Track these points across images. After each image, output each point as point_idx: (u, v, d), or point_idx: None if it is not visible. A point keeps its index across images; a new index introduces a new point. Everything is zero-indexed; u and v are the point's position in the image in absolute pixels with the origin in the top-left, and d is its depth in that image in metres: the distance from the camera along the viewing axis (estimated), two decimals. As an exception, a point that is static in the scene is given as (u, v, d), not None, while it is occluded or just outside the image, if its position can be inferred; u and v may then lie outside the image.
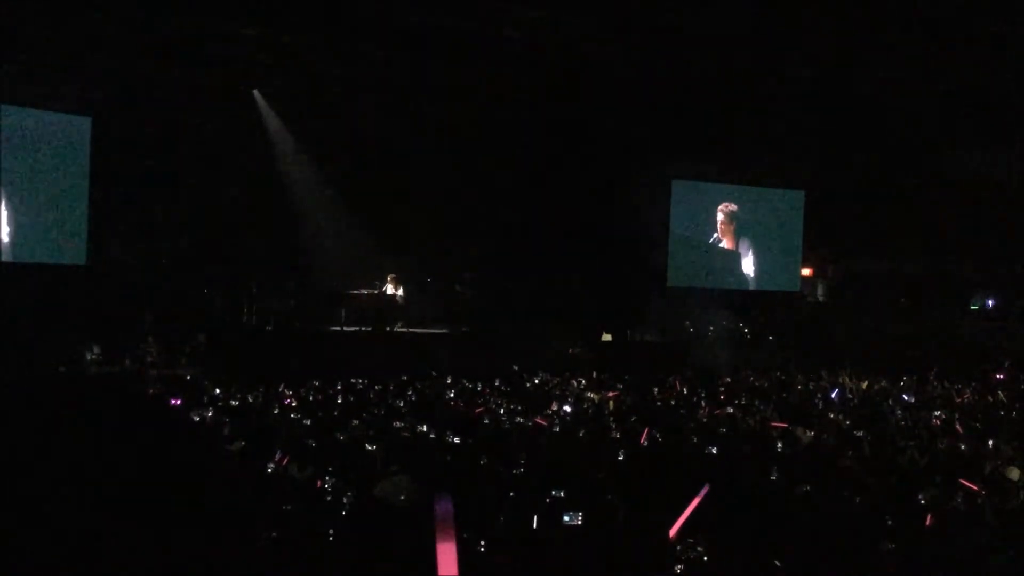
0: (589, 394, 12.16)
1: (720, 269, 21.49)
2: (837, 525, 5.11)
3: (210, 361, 14.48)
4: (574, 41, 16.23)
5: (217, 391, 11.22)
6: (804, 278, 22.88)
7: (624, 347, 18.92)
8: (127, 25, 14.80)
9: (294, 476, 5.99)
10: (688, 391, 12.80)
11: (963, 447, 8.06)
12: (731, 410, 10.50)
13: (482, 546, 4.24)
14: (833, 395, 12.61)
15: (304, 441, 7.22)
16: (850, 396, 12.88)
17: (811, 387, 13.80)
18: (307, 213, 17.67)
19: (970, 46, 15.86)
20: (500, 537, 4.55)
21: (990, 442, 8.21)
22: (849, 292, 22.78)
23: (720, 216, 21.42)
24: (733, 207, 21.47)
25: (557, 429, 8.66)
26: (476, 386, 12.70)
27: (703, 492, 4.56)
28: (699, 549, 4.16)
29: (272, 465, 6.17)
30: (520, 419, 9.31)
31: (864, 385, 14.29)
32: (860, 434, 8.57)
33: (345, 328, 16.59)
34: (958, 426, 9.42)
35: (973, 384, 14.26)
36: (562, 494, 5.11)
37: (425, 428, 8.05)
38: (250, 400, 10.58)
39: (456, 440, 7.46)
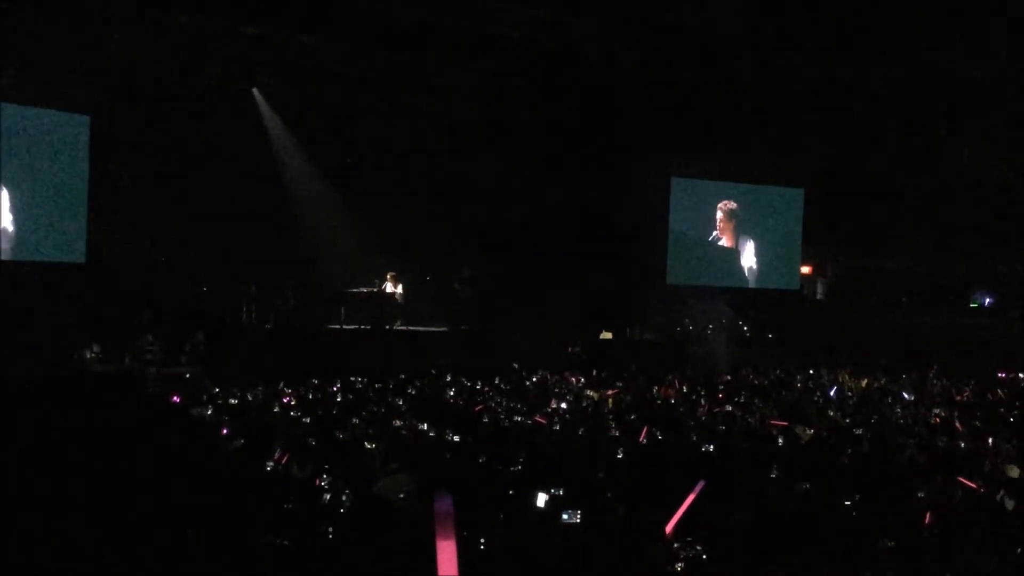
0: (588, 392, 12.17)
1: (719, 267, 21.48)
2: (836, 523, 5.11)
3: (209, 359, 14.48)
4: (573, 40, 16.23)
5: (216, 389, 11.22)
6: (803, 276, 22.89)
7: (623, 345, 18.93)
8: (126, 23, 14.81)
9: (294, 474, 5.99)
10: (687, 389, 12.80)
11: (963, 445, 8.06)
12: (729, 408, 10.51)
13: (482, 544, 4.25)
14: (832, 393, 12.62)
15: (304, 439, 7.22)
16: (849, 394, 12.89)
17: (810, 385, 13.81)
18: (306, 211, 17.66)
19: (970, 45, 15.87)
20: (499, 535, 4.55)
21: (990, 440, 8.21)
22: (848, 290, 22.79)
23: (719, 214, 21.42)
24: (732, 205, 21.47)
25: (557, 427, 8.66)
26: (475, 384, 12.71)
27: (698, 488, 4.56)
28: (698, 548, 4.17)
29: (271, 463, 6.17)
30: (519, 417, 9.32)
31: (864, 383, 14.31)
32: (859, 432, 8.57)
33: (344, 326, 16.59)
34: (957, 424, 9.42)
35: (973, 382, 14.26)
36: (561, 492, 5.11)
37: (424, 426, 8.05)
38: (249, 398, 10.58)
39: (455, 438, 7.46)
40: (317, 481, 5.68)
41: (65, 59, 15.06)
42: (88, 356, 14.32)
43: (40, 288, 14.76)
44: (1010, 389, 13.60)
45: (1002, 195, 20.10)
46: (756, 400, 11.35)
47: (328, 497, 5.27)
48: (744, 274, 21.65)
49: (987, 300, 22.49)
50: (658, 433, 8.05)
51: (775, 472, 6.23)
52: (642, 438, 7.84)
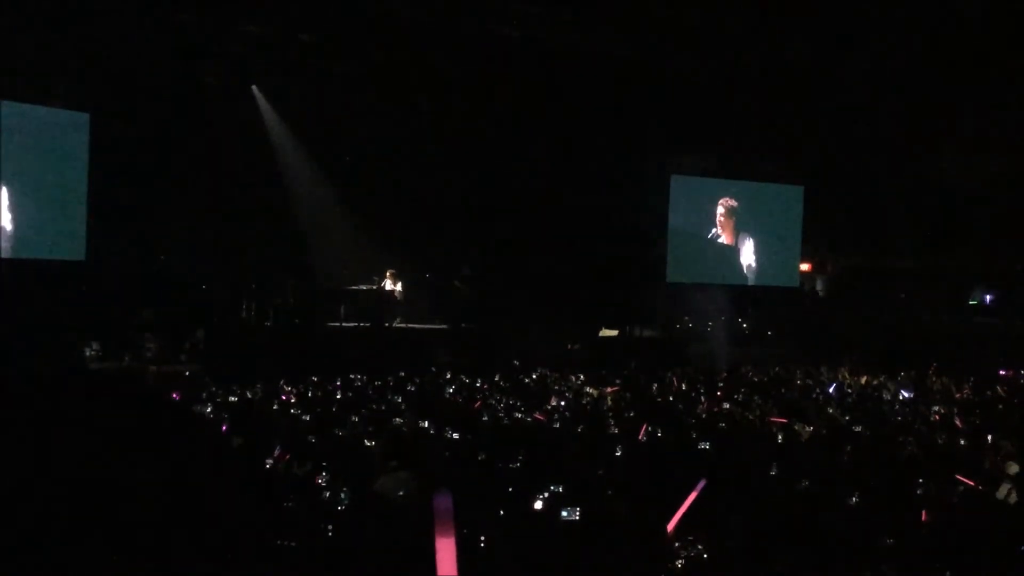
0: (588, 389, 12.17)
1: (719, 264, 21.48)
2: (836, 520, 5.11)
3: (209, 357, 14.49)
4: (573, 38, 16.22)
5: (216, 387, 11.23)
6: (803, 273, 22.89)
7: (623, 343, 18.94)
8: (126, 21, 14.79)
9: (293, 472, 5.99)
10: (687, 386, 12.80)
11: (962, 442, 8.07)
12: (727, 406, 10.51)
13: (482, 542, 4.24)
14: (831, 390, 12.62)
15: (303, 437, 7.22)
16: (848, 391, 12.89)
17: (809, 382, 13.81)
18: (306, 209, 17.66)
19: (969, 43, 15.86)
20: (499, 533, 4.55)
21: (989, 437, 8.21)
22: (848, 287, 22.79)
23: (719, 211, 21.41)
24: (732, 202, 21.46)
25: (557, 425, 8.66)
26: (475, 382, 12.71)
27: (699, 486, 4.56)
28: (699, 547, 4.16)
29: (271, 461, 6.17)
30: (519, 415, 9.32)
31: (863, 380, 14.31)
32: (859, 429, 8.57)
33: (344, 324, 16.60)
34: (957, 421, 9.43)
35: (972, 379, 14.26)
36: (560, 490, 5.11)
37: (424, 424, 8.05)
38: (249, 396, 10.58)
39: (455, 436, 7.46)
40: (316, 479, 5.68)
41: (64, 56, 15.05)
42: (88, 354, 14.32)
43: (39, 286, 14.75)
44: (1010, 387, 13.60)
45: (1002, 193, 20.09)
46: (756, 397, 11.35)
47: (327, 495, 5.27)
48: (744, 271, 21.65)
49: (987, 298, 22.49)
50: (658, 431, 8.05)
51: (775, 470, 6.23)
52: (641, 435, 7.85)
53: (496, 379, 13.00)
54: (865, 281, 22.49)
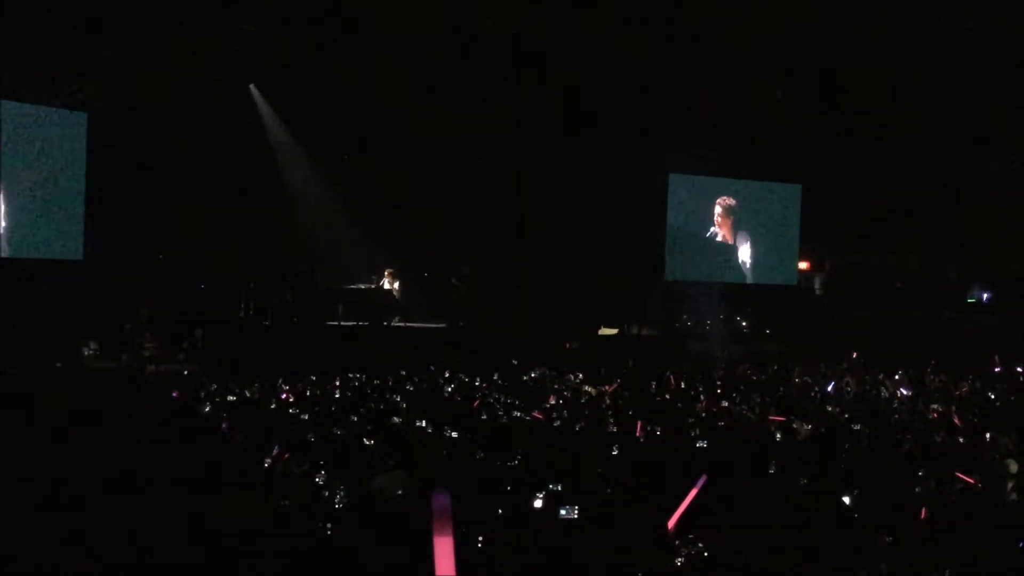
0: (586, 388, 12.16)
1: (717, 263, 21.48)
2: (834, 518, 5.12)
3: (208, 356, 14.48)
4: (571, 35, 16.22)
5: (215, 386, 11.22)
6: (801, 272, 22.89)
7: (621, 341, 18.94)
8: (124, 20, 14.79)
9: (292, 471, 5.99)
10: (686, 385, 12.80)
11: (960, 440, 8.07)
12: (726, 404, 10.51)
13: (480, 540, 4.25)
14: (830, 388, 12.63)
15: (302, 436, 7.22)
16: (848, 389, 12.88)
17: (808, 380, 13.81)
18: (304, 208, 17.66)
19: (968, 42, 15.86)
20: (498, 531, 4.55)
21: (987, 435, 8.22)
22: (846, 286, 22.80)
23: (717, 210, 21.40)
24: (730, 201, 21.46)
25: (558, 424, 8.66)
26: (474, 380, 12.70)
27: (700, 483, 4.56)
28: (699, 545, 4.17)
29: (270, 460, 6.18)
30: (518, 413, 9.32)
31: (861, 378, 14.29)
32: (858, 427, 8.58)
33: (342, 323, 16.59)
34: (955, 419, 9.43)
35: (970, 377, 14.27)
36: (559, 488, 5.12)
37: (423, 423, 8.05)
38: (248, 395, 10.57)
39: (454, 434, 7.46)
40: (315, 478, 5.68)
41: (62, 56, 15.04)
42: (86, 354, 14.31)
43: (37, 285, 14.74)
44: (1008, 384, 13.60)
45: (999, 190, 20.11)
46: (754, 395, 11.36)
47: (326, 494, 5.27)
48: (742, 270, 21.65)
49: (985, 296, 22.50)
50: (657, 430, 8.05)
51: (773, 467, 6.24)
52: (638, 433, 7.85)
53: (495, 378, 12.99)
54: (863, 279, 22.49)
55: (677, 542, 4.24)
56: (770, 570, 4.24)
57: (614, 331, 19.22)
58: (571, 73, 17.14)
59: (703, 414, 9.69)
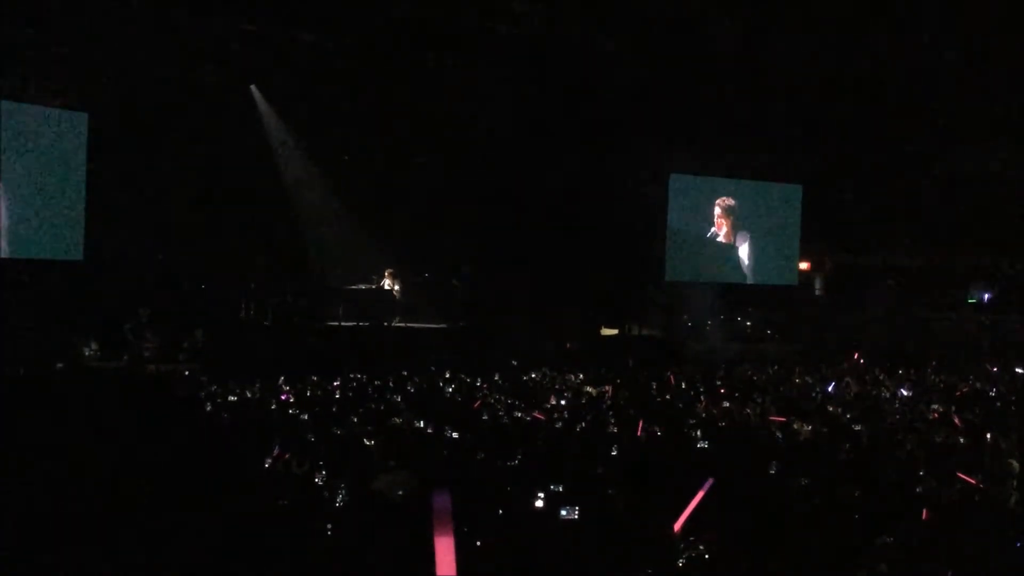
0: (587, 388, 12.16)
1: (718, 263, 21.48)
2: (835, 519, 5.11)
3: (208, 357, 14.48)
4: (572, 35, 16.22)
5: (215, 387, 11.21)
6: (802, 272, 22.89)
7: (622, 341, 18.95)
8: (124, 20, 14.79)
9: (292, 471, 5.99)
10: (686, 385, 12.79)
11: (961, 440, 8.06)
12: (727, 404, 10.50)
13: (480, 541, 4.24)
14: (830, 389, 12.62)
15: (302, 436, 7.21)
16: (847, 388, 12.88)
17: (808, 380, 13.80)
18: (305, 208, 17.66)
19: (968, 42, 15.86)
20: (498, 532, 4.55)
21: (988, 435, 8.21)
22: (846, 286, 22.79)
23: (718, 210, 21.40)
24: (731, 201, 21.45)
25: (559, 425, 8.64)
26: (474, 381, 12.70)
27: (707, 485, 4.54)
28: (700, 548, 4.16)
29: (270, 461, 6.17)
30: (518, 414, 9.32)
31: (862, 379, 14.28)
32: (858, 428, 8.57)
33: (343, 323, 16.59)
34: (956, 419, 9.42)
35: (971, 377, 14.26)
36: (560, 489, 5.11)
37: (423, 423, 8.04)
38: (248, 395, 10.57)
39: (454, 435, 7.46)
40: (315, 478, 5.68)
41: (63, 56, 15.04)
42: (87, 354, 14.31)
43: (37, 286, 14.74)
44: (1009, 384, 13.60)
45: (1000, 190, 20.10)
46: (755, 396, 11.35)
47: (326, 494, 5.27)
48: (742, 270, 21.65)
49: (986, 296, 22.50)
50: (657, 430, 8.05)
51: (774, 468, 6.23)
52: (639, 432, 7.84)
53: (495, 378, 12.99)
54: (864, 279, 22.49)
55: (681, 544, 4.23)
56: (770, 571, 4.24)
57: (614, 331, 19.23)
58: (572, 74, 17.14)
59: (704, 414, 9.69)
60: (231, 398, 10.16)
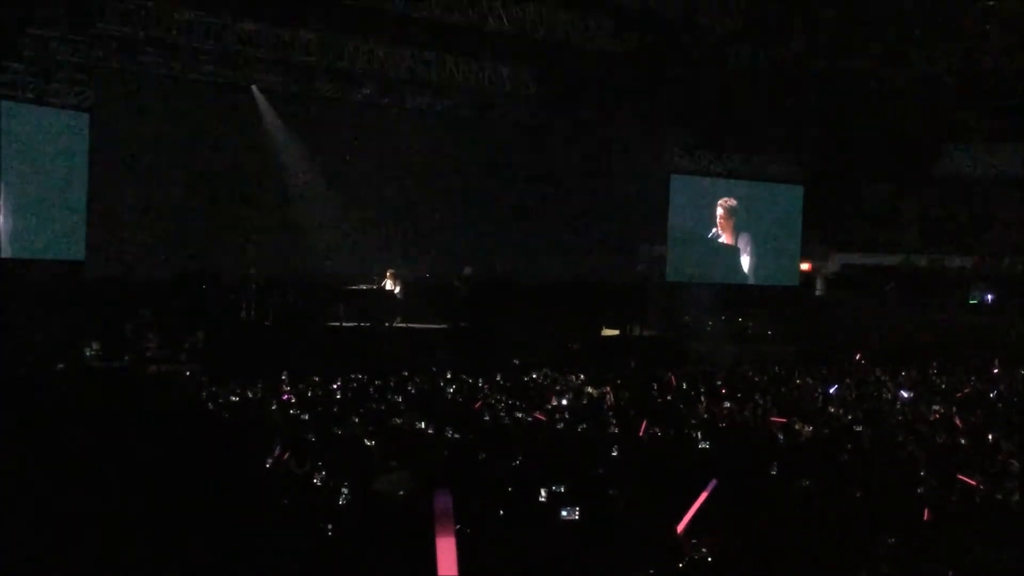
0: (588, 389, 12.15)
1: (719, 264, 21.48)
2: (836, 519, 5.10)
3: (209, 357, 14.47)
4: (573, 36, 16.22)
5: (216, 387, 11.21)
6: (803, 273, 22.89)
7: (623, 341, 18.94)
8: (125, 20, 14.79)
9: (293, 471, 5.98)
10: (687, 386, 12.78)
11: (962, 441, 8.06)
12: (728, 405, 10.49)
13: (482, 541, 4.24)
14: (831, 390, 12.61)
15: (303, 436, 7.21)
16: (850, 391, 12.86)
17: (810, 381, 13.79)
18: (306, 209, 17.66)
19: (968, 42, 15.85)
20: (499, 532, 4.55)
21: (989, 436, 8.21)
22: (847, 287, 22.79)
23: (719, 211, 21.41)
24: (732, 202, 21.46)
25: (561, 426, 8.64)
26: (475, 381, 12.69)
27: (710, 487, 4.53)
28: (703, 550, 4.16)
29: (271, 461, 6.17)
30: (519, 414, 9.31)
31: (863, 379, 14.27)
32: (859, 429, 8.57)
33: (344, 324, 16.58)
34: (957, 420, 9.42)
35: (972, 378, 14.25)
36: (562, 489, 5.11)
37: (424, 423, 8.03)
38: (249, 396, 10.56)
39: (455, 435, 7.45)
40: (316, 478, 5.67)
41: (64, 56, 15.05)
42: (88, 354, 14.30)
43: (39, 285, 14.74)
44: (1010, 385, 13.58)
45: (1000, 190, 20.10)
46: (756, 396, 11.34)
47: (327, 494, 5.26)
48: (744, 271, 21.65)
49: (987, 297, 22.49)
50: (658, 431, 8.04)
51: (775, 469, 6.23)
52: (641, 432, 7.84)
53: (496, 379, 12.98)
54: (865, 280, 22.49)
55: (683, 545, 4.23)
56: (772, 571, 4.24)
57: (615, 332, 19.22)
58: (573, 74, 17.14)
59: (705, 415, 9.68)
60: (232, 398, 10.16)
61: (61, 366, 13.21)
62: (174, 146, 16.03)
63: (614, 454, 6.81)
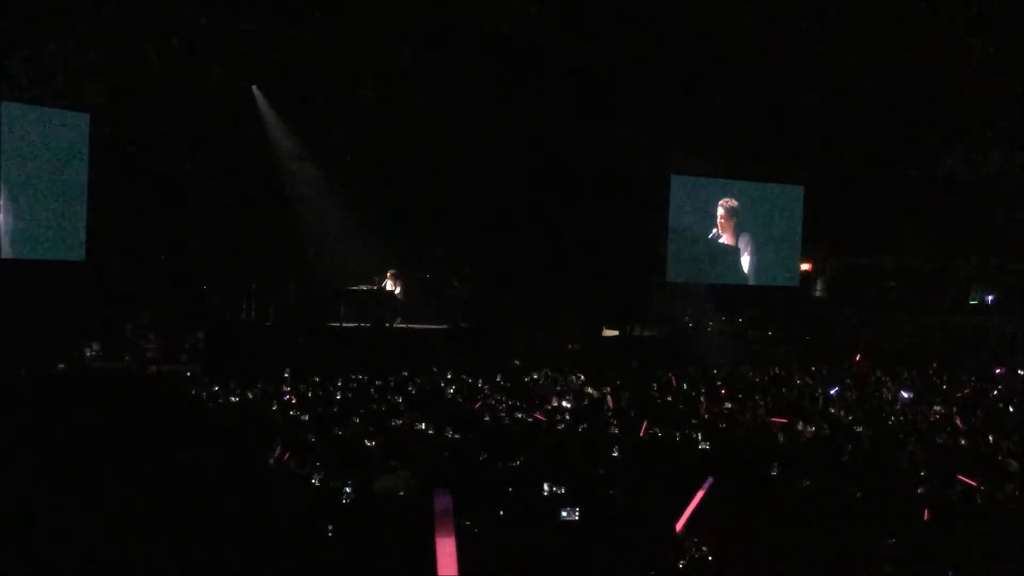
0: (588, 389, 12.15)
1: (720, 264, 21.48)
2: (836, 519, 5.10)
3: (209, 357, 14.47)
4: (573, 37, 16.22)
5: (216, 387, 11.21)
6: (803, 273, 22.88)
7: (624, 342, 18.95)
8: (126, 20, 14.80)
9: (293, 471, 5.98)
10: (687, 386, 12.78)
11: (963, 442, 8.06)
12: (728, 405, 10.50)
13: (482, 542, 4.24)
14: (832, 390, 12.61)
15: (303, 437, 7.20)
16: (850, 392, 12.87)
17: (810, 382, 13.79)
18: (306, 209, 17.66)
19: (968, 42, 15.85)
20: (499, 533, 4.54)
21: (990, 437, 8.20)
22: (848, 287, 22.79)
23: (720, 211, 21.40)
24: (732, 202, 21.45)
25: (561, 427, 8.64)
26: (476, 382, 12.69)
27: (707, 484, 4.54)
28: (704, 549, 4.16)
29: (271, 461, 6.16)
30: (519, 414, 9.31)
31: (863, 380, 14.28)
32: (860, 429, 8.57)
33: (344, 324, 16.58)
34: (957, 421, 9.42)
35: (973, 379, 14.26)
36: (562, 490, 5.11)
37: (424, 424, 8.03)
38: (249, 396, 10.56)
39: (455, 435, 7.45)
40: (316, 479, 5.67)
41: (64, 56, 15.05)
42: (88, 354, 14.31)
43: (39, 286, 14.74)
44: (1009, 385, 13.59)
45: (1001, 191, 20.10)
46: (756, 397, 11.34)
47: (327, 495, 5.26)
48: (744, 271, 21.65)
49: (988, 297, 22.49)
50: (658, 431, 8.04)
51: (775, 469, 6.23)
52: (641, 432, 7.84)
53: (497, 379, 12.98)
54: (865, 281, 22.49)
55: (683, 545, 4.23)
56: (772, 572, 4.23)
57: (616, 332, 19.23)
58: (574, 75, 17.14)
59: (705, 416, 9.68)
60: (232, 399, 10.15)
61: (61, 366, 13.21)
62: (173, 146, 16.02)
63: (614, 454, 6.82)
